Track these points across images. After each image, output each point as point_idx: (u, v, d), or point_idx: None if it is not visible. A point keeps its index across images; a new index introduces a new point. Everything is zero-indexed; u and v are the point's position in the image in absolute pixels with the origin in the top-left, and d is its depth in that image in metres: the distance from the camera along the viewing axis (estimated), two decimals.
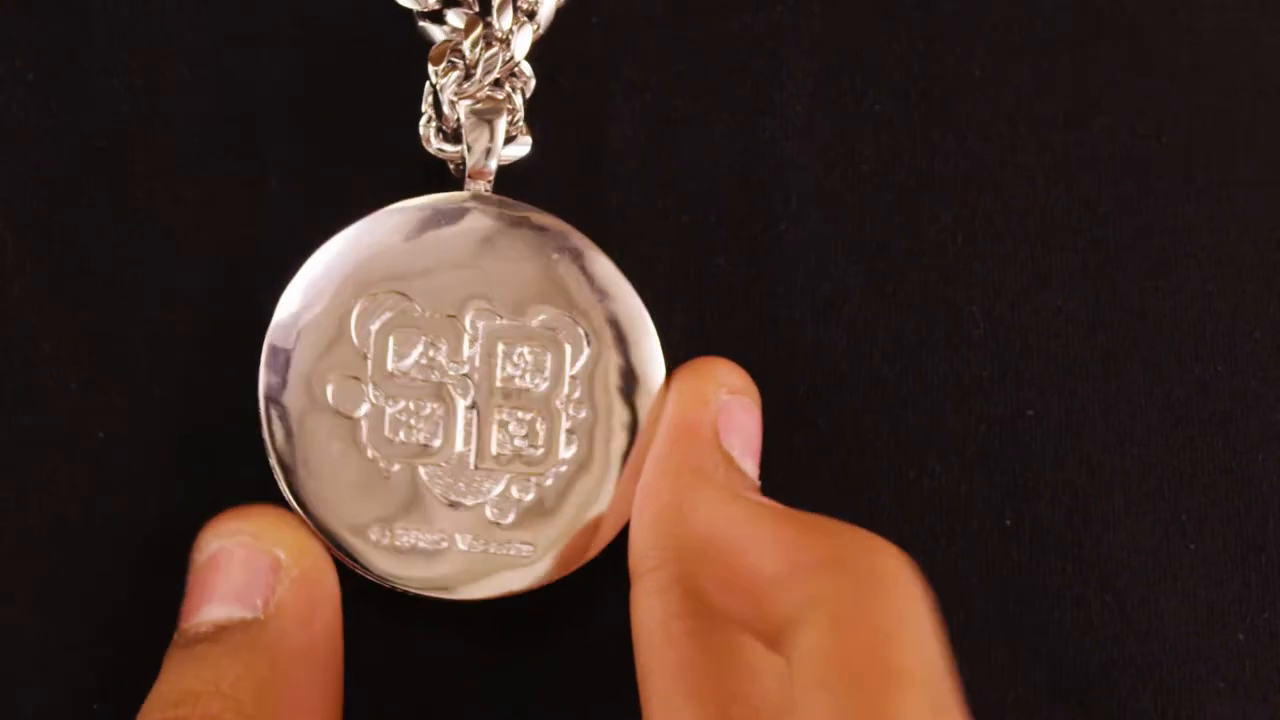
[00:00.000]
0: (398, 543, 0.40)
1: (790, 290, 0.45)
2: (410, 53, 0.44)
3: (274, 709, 0.37)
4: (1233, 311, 0.45)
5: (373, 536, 0.40)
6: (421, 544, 0.40)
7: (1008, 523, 0.44)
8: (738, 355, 0.44)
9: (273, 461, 0.40)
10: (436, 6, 0.43)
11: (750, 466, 0.42)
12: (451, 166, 0.43)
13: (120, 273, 0.43)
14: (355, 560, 0.40)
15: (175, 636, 0.39)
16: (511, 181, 0.43)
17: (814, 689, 0.34)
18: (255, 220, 0.44)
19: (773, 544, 0.37)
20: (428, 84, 0.43)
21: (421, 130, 0.43)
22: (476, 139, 0.43)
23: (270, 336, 0.41)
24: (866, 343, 0.45)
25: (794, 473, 0.44)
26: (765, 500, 0.40)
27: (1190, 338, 0.45)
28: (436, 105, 0.43)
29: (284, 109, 0.44)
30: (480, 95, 0.43)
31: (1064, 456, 0.44)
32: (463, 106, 0.43)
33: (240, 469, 0.42)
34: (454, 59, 0.43)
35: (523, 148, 0.43)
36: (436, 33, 0.43)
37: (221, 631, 0.38)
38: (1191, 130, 0.46)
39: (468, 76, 0.43)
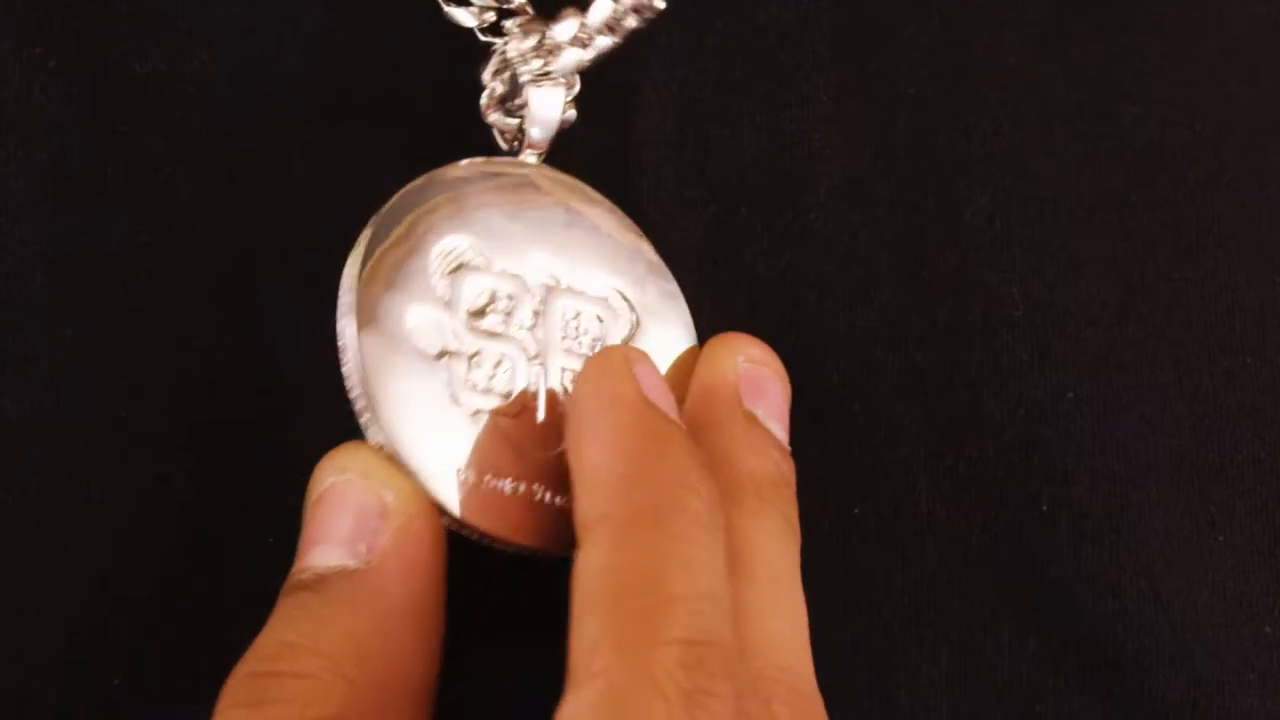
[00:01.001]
0: (483, 489, 0.39)
1: (822, 279, 0.44)
2: (430, 37, 0.44)
3: (372, 668, 0.36)
4: (1262, 303, 0.45)
5: (461, 479, 0.39)
6: (506, 490, 0.40)
7: (1044, 508, 0.44)
8: (771, 343, 0.43)
9: (356, 400, 0.39)
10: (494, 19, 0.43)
11: (778, 430, 0.41)
12: (503, 138, 0.43)
13: (143, 258, 0.43)
14: (442, 507, 0.39)
15: (287, 579, 0.38)
16: None
17: (588, 606, 0.34)
18: (277, 205, 0.44)
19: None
20: (493, 56, 0.43)
21: (484, 101, 0.43)
22: (541, 111, 0.42)
23: (348, 270, 0.40)
24: (901, 329, 0.44)
25: (829, 458, 0.43)
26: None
27: (1219, 329, 0.45)
28: (499, 78, 0.43)
29: (305, 94, 0.44)
30: (548, 70, 0.43)
31: (1100, 443, 0.44)
32: (530, 80, 0.43)
33: (260, 447, 0.42)
34: (528, 31, 0.43)
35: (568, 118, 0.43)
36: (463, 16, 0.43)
37: (323, 581, 0.37)
38: (1222, 120, 0.46)
39: (538, 49, 0.43)
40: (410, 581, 0.38)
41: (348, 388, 0.39)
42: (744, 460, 0.40)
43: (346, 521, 0.38)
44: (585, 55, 0.42)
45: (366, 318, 0.39)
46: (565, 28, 0.42)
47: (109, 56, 0.44)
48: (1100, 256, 0.45)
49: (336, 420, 0.41)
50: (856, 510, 0.43)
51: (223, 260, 0.43)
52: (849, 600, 0.43)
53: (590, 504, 0.36)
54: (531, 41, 0.42)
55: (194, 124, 0.44)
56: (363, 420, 0.39)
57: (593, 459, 0.37)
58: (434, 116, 0.44)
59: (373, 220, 0.40)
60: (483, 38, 0.43)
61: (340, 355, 0.39)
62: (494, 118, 0.43)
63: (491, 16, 0.43)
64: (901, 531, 0.43)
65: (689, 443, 0.37)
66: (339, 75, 0.44)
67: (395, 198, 0.41)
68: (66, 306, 0.42)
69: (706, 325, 0.43)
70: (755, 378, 0.41)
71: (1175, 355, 0.45)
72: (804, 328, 0.44)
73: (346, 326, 0.39)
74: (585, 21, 0.42)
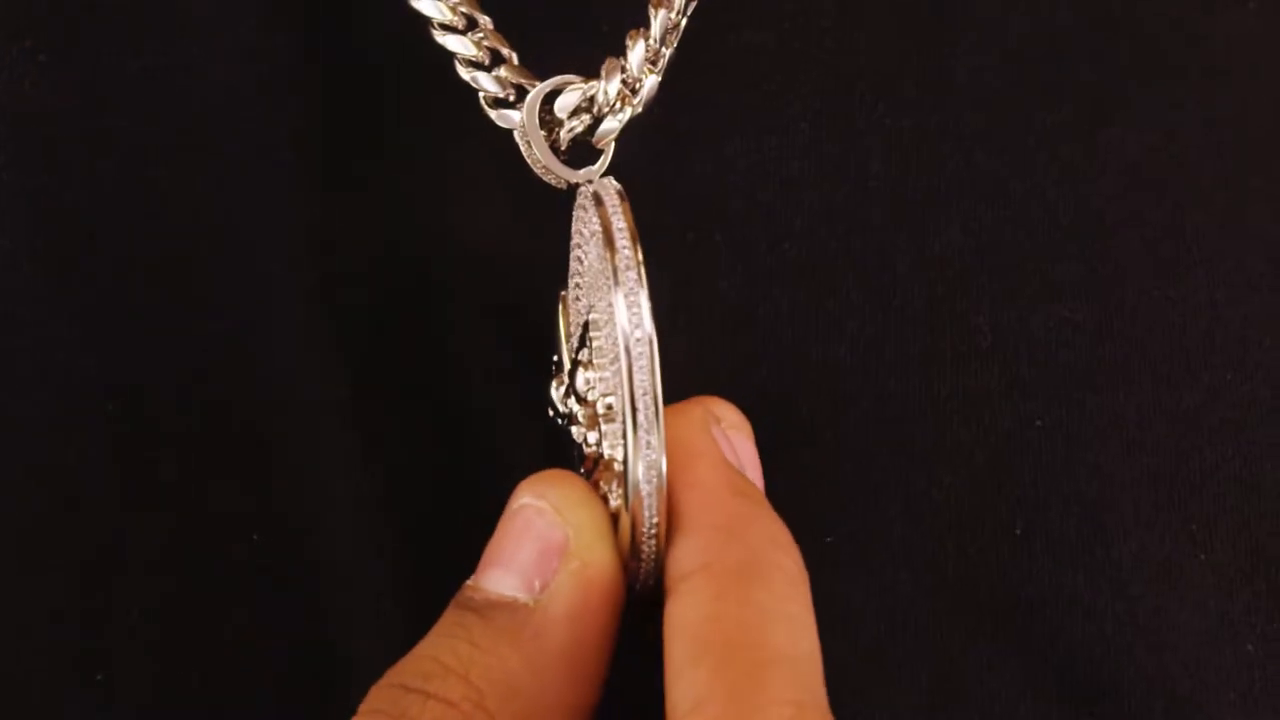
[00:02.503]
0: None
1: (794, 308, 0.45)
2: (418, 34, 0.44)
3: (515, 707, 0.36)
4: (1243, 320, 0.45)
5: None
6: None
7: (1018, 532, 0.44)
8: (742, 374, 0.44)
9: (635, 412, 0.37)
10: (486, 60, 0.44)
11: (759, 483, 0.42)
12: (542, 171, 0.43)
13: (132, 252, 0.44)
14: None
15: (462, 588, 0.38)
16: None
17: (694, 655, 0.34)
18: (269, 197, 0.44)
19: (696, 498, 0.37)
20: (571, 95, 0.43)
21: (562, 139, 0.43)
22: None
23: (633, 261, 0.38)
24: (873, 358, 0.45)
25: (803, 487, 0.44)
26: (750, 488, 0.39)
27: (1200, 347, 0.45)
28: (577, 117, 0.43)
29: (297, 87, 0.45)
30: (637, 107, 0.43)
31: (1074, 467, 0.44)
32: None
33: (249, 441, 0.43)
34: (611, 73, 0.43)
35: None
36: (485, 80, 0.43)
37: (491, 608, 0.37)
38: (1201, 139, 0.46)
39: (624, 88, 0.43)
40: (575, 630, 0.37)
41: (626, 396, 0.37)
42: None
43: (528, 551, 0.38)
44: (659, 79, 0.43)
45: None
46: (636, 53, 0.43)
47: (99, 50, 0.44)
48: (1077, 279, 0.45)
49: (328, 414, 0.42)
50: (829, 539, 0.44)
51: (213, 254, 0.44)
52: (824, 628, 0.42)
53: (688, 552, 0.36)
54: (616, 82, 0.43)
55: (184, 117, 0.44)
56: (631, 433, 0.37)
57: (689, 507, 0.37)
58: (432, 112, 0.44)
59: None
60: (462, 71, 0.43)
61: (626, 348, 0.37)
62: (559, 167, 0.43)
63: (485, 58, 0.43)
64: (875, 559, 0.44)
65: (769, 505, 0.38)
66: (330, 65, 0.45)
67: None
68: (54, 298, 0.43)
69: (680, 352, 0.43)
70: (734, 440, 0.41)
71: (1155, 374, 0.45)
72: (777, 357, 0.44)
73: (642, 321, 0.37)
74: (650, 36, 0.43)
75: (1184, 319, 0.45)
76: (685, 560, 0.36)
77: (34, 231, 0.44)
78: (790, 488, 0.43)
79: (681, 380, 0.43)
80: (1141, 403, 0.45)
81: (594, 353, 0.39)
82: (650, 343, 0.37)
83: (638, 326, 0.37)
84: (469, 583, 0.38)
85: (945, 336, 0.45)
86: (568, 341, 0.41)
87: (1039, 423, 0.44)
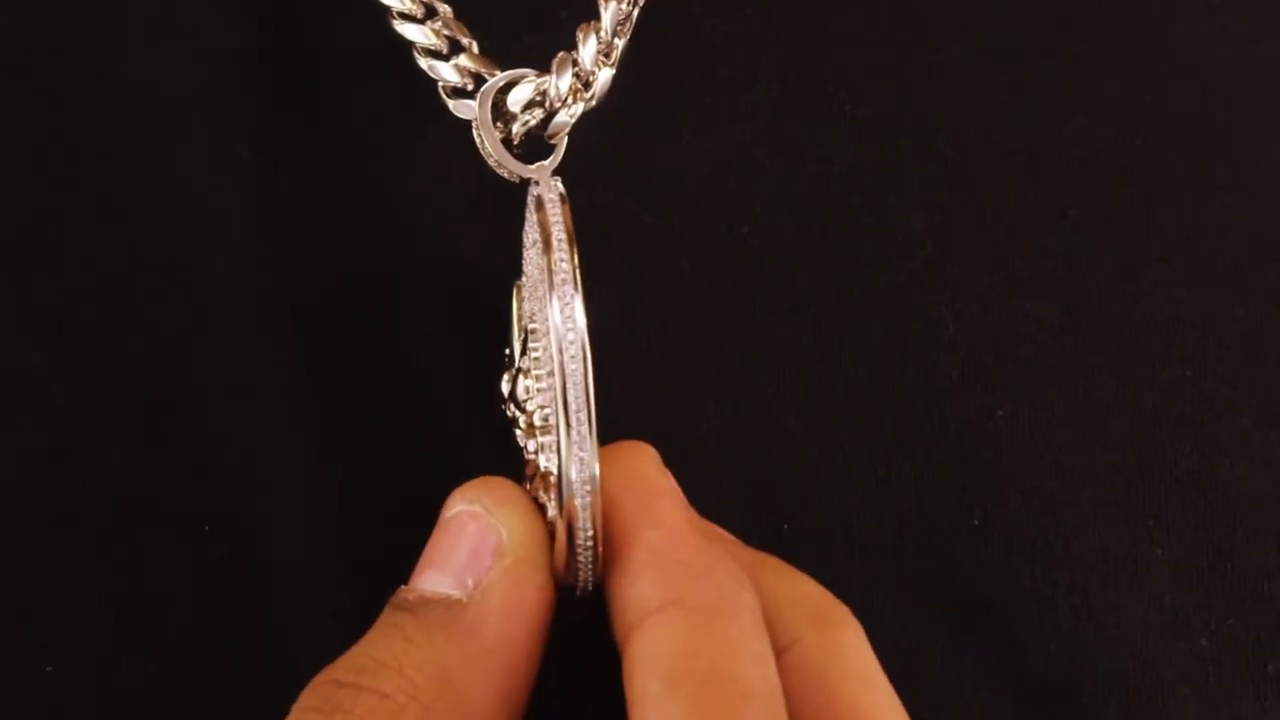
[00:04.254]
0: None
1: (755, 293, 0.45)
2: (381, 29, 0.43)
3: (450, 700, 0.36)
4: (1203, 316, 0.45)
5: None
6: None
7: (976, 523, 0.44)
8: (701, 355, 0.44)
9: (568, 420, 0.37)
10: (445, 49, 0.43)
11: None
12: (495, 165, 0.43)
13: (90, 244, 0.43)
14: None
15: (394, 594, 0.38)
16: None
17: (668, 688, 0.35)
18: (224, 193, 0.44)
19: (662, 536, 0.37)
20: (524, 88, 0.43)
21: (516, 133, 0.43)
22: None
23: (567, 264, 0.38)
24: (835, 344, 0.44)
25: (761, 474, 0.44)
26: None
27: (1160, 342, 0.45)
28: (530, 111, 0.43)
29: (250, 79, 0.44)
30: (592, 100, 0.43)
31: (1034, 459, 0.44)
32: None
33: (212, 430, 0.43)
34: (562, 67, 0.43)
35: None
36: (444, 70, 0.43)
37: (424, 605, 0.37)
38: (1165, 134, 0.46)
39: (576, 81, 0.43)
40: (507, 623, 0.37)
41: (560, 409, 0.37)
42: None
43: (462, 552, 0.38)
44: (612, 72, 0.43)
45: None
46: (588, 47, 0.42)
47: (54, 49, 0.44)
48: (1039, 272, 0.45)
49: (281, 410, 0.42)
50: (786, 526, 0.44)
51: (167, 249, 0.43)
52: None
53: (655, 588, 0.37)
54: (567, 77, 0.42)
55: (138, 111, 0.44)
56: (566, 447, 0.37)
57: (653, 544, 0.37)
58: (388, 104, 0.44)
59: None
60: (421, 60, 0.43)
61: (559, 363, 0.37)
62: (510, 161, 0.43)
63: (444, 47, 0.43)
64: (832, 548, 0.43)
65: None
66: (284, 61, 0.45)
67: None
68: (4, 293, 0.43)
69: (641, 336, 0.44)
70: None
71: (1115, 369, 0.45)
72: (738, 341, 0.44)
73: (576, 332, 0.37)
74: (601, 29, 0.43)
75: (1145, 315, 0.45)
76: (653, 596, 0.36)
77: None
78: (748, 474, 0.43)
79: (642, 361, 0.43)
80: (1101, 397, 0.45)
81: (533, 362, 0.39)
82: (584, 356, 0.37)
83: (572, 341, 0.37)
84: (403, 587, 0.38)
85: (907, 325, 0.45)
86: (518, 338, 0.41)
87: (999, 413, 0.44)
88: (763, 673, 0.35)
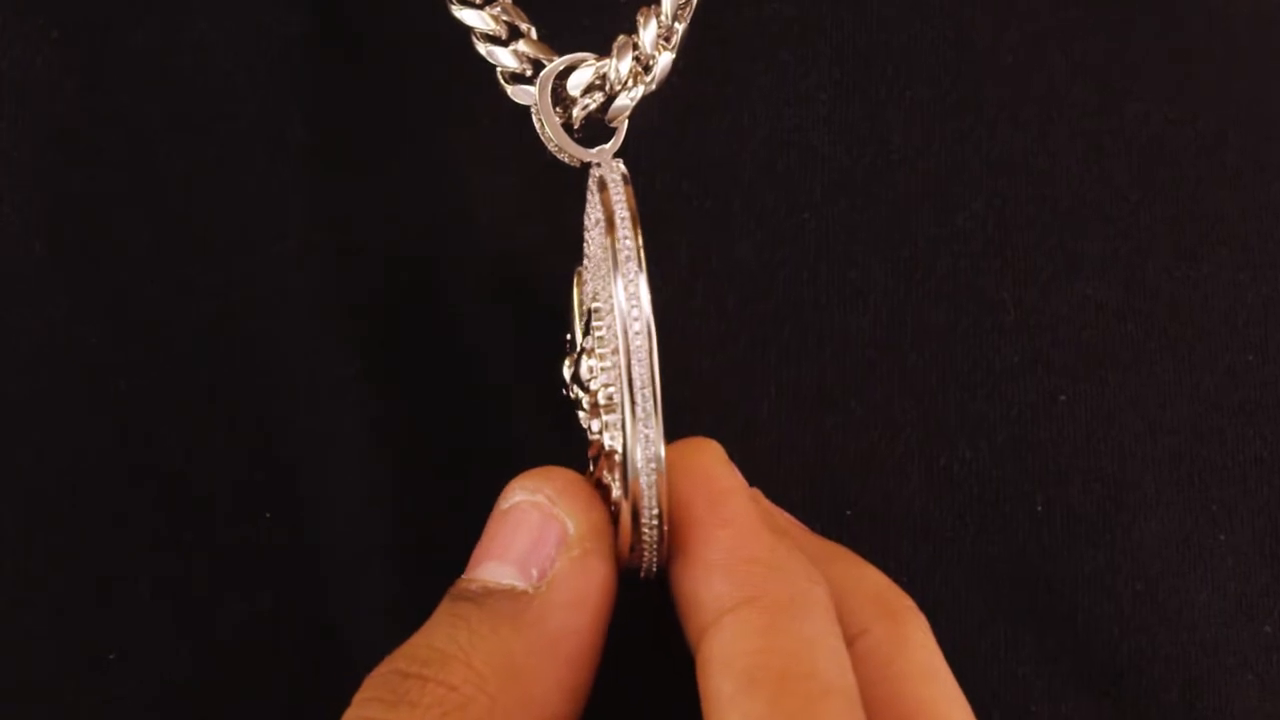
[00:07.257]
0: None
1: (814, 278, 0.44)
2: (426, 8, 0.44)
3: (516, 692, 0.36)
4: (1264, 301, 0.45)
5: None
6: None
7: (1039, 509, 0.44)
8: (761, 340, 0.44)
9: (634, 400, 0.37)
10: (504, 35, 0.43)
11: None
12: (555, 149, 0.43)
13: (140, 229, 0.43)
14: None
15: (454, 585, 0.38)
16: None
17: (747, 686, 0.34)
18: (275, 173, 0.44)
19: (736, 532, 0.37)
20: (583, 72, 0.43)
21: (576, 118, 0.43)
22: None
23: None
24: (895, 330, 0.44)
25: (823, 459, 0.44)
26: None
27: (1221, 327, 0.45)
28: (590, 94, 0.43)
29: (304, 63, 0.44)
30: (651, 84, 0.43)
31: (1096, 443, 0.44)
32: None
33: (257, 418, 0.43)
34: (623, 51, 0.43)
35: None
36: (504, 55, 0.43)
37: (489, 595, 0.37)
38: (1224, 117, 0.46)
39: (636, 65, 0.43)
40: (573, 615, 0.37)
41: (625, 387, 0.37)
42: None
43: (524, 542, 0.38)
44: (673, 56, 0.43)
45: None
46: (649, 30, 0.42)
47: (109, 27, 0.44)
48: (1099, 256, 0.45)
49: (338, 396, 0.42)
50: (849, 512, 0.43)
51: (222, 233, 0.43)
52: None
53: (728, 586, 0.36)
54: (628, 60, 0.42)
55: (192, 93, 0.44)
56: (630, 425, 0.37)
57: (725, 543, 0.37)
58: (443, 89, 0.44)
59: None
60: (479, 46, 0.43)
61: (624, 340, 0.37)
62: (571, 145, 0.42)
63: (502, 32, 0.43)
64: (895, 532, 0.43)
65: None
66: (337, 44, 0.45)
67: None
68: (64, 276, 0.43)
69: (701, 320, 0.43)
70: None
71: (1176, 354, 0.45)
72: (797, 324, 0.44)
73: (641, 311, 0.37)
74: (662, 12, 0.42)
75: (1206, 299, 0.45)
76: (726, 595, 0.36)
77: (43, 209, 0.43)
78: (810, 459, 0.43)
79: (699, 343, 0.43)
80: (1163, 381, 0.44)
81: (596, 341, 0.39)
82: (649, 333, 0.37)
83: (636, 318, 0.37)
84: (463, 577, 0.38)
85: (968, 310, 0.44)
86: (580, 321, 0.41)
87: (1062, 398, 0.44)
88: (839, 667, 0.35)
